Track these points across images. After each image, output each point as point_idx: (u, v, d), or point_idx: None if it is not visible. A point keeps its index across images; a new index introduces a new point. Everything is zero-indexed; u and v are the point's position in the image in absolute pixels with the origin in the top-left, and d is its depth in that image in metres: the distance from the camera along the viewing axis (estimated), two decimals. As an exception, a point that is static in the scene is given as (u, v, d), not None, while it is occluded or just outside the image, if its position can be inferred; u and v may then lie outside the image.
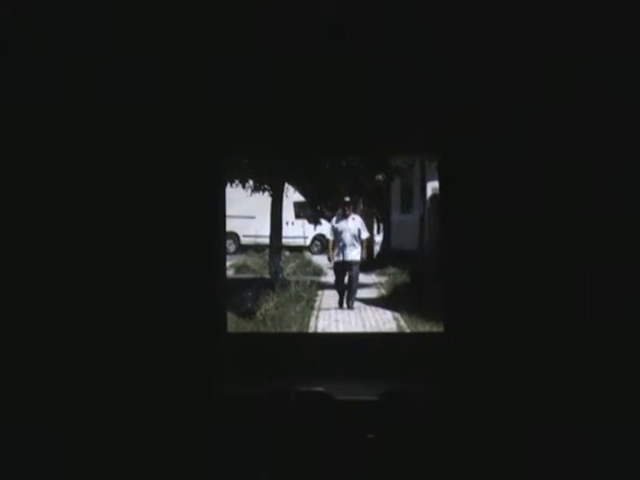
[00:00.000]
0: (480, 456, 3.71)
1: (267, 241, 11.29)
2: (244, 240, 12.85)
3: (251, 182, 10.87)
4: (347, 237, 9.99)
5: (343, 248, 9.97)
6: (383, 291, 11.05)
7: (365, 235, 10.32)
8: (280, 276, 10.69)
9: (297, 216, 13.19)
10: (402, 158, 10.88)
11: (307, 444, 3.64)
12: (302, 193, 12.39)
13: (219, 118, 5.08)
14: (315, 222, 12.44)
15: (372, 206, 12.93)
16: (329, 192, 11.30)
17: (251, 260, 12.01)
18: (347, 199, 10.41)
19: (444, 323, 5.29)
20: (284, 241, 11.43)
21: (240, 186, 10.76)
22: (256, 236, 12.31)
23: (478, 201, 4.83)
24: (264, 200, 11.15)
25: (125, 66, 4.87)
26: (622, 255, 4.49)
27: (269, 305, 9.69)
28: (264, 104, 5.01)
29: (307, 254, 12.76)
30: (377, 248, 13.11)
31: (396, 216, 13.24)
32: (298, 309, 9.75)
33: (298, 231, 13.04)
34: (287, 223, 12.23)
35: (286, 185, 11.23)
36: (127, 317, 4.79)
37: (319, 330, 9.02)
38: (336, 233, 10.11)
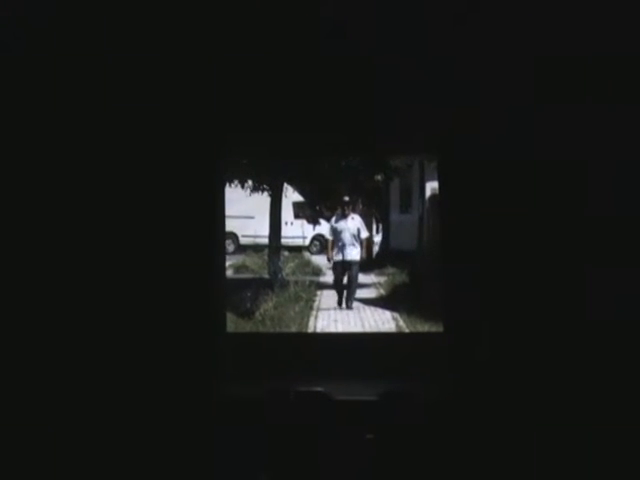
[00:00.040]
0: (480, 456, 3.71)
1: (266, 241, 11.28)
2: (243, 240, 12.84)
3: (250, 182, 10.86)
4: (346, 237, 9.98)
5: (343, 248, 9.96)
6: (382, 291, 11.05)
7: (365, 234, 10.32)
8: (279, 276, 10.69)
9: (296, 216, 13.17)
10: (402, 158, 10.88)
11: (306, 444, 3.64)
12: (301, 193, 12.39)
13: (219, 118, 5.08)
14: (314, 222, 12.43)
15: (371, 206, 12.92)
16: (328, 192, 11.30)
17: (250, 260, 12.00)
18: (346, 198, 10.41)
19: (443, 323, 5.28)
20: (283, 241, 11.42)
21: (239, 186, 10.76)
22: (255, 236, 12.31)
23: (478, 201, 4.83)
24: (263, 200, 11.14)
25: (125, 66, 4.87)
26: (622, 255, 4.49)
27: (268, 305, 9.68)
28: (264, 104, 5.00)
29: (306, 254, 12.75)
30: (376, 248, 13.09)
31: (395, 216, 13.23)
32: (297, 309, 9.75)
33: (297, 231, 13.03)
34: (286, 223, 12.22)
35: (285, 185, 11.23)
36: (127, 317, 4.78)
37: (318, 330, 9.02)
38: (335, 233, 10.10)
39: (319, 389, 3.95)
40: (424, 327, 8.41)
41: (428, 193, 11.31)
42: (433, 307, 7.26)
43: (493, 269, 4.78)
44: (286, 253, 11.74)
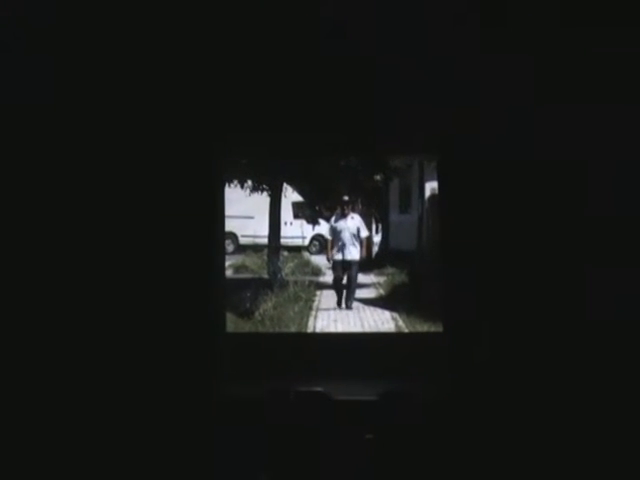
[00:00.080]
0: (479, 456, 3.71)
1: (265, 241, 11.29)
2: (243, 240, 12.84)
3: (250, 182, 10.86)
4: (346, 236, 9.97)
5: (343, 247, 9.96)
6: (381, 291, 11.05)
7: (365, 233, 10.31)
8: (278, 276, 10.68)
9: (295, 216, 13.17)
10: (401, 158, 10.88)
11: (306, 444, 3.63)
12: (300, 193, 12.39)
13: (218, 118, 5.08)
14: (313, 222, 12.43)
15: (370, 206, 12.92)
16: (327, 192, 11.30)
17: (249, 260, 11.99)
18: (346, 198, 10.40)
19: (443, 323, 5.28)
20: (282, 241, 11.42)
21: (239, 186, 10.76)
22: (255, 236, 12.31)
23: (477, 201, 4.83)
24: (262, 200, 11.15)
25: (125, 67, 4.87)
26: (622, 255, 4.49)
27: (267, 305, 9.68)
28: (263, 104, 5.00)
29: (305, 254, 12.75)
30: (375, 248, 13.10)
31: (394, 216, 13.23)
32: (296, 309, 9.74)
33: (296, 231, 13.04)
34: (285, 223, 12.23)
35: (284, 185, 11.23)
36: (127, 317, 4.78)
37: (318, 330, 9.01)
38: (335, 232, 10.09)
39: (319, 389, 3.94)
40: (423, 327, 8.41)
41: (427, 193, 11.32)
42: (432, 307, 7.26)
43: (492, 269, 4.78)
44: (285, 253, 11.74)
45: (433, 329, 7.43)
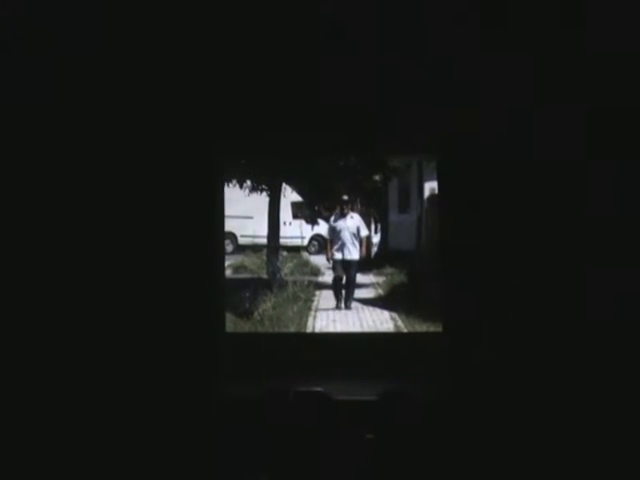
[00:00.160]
0: (479, 456, 3.71)
1: (265, 241, 11.27)
2: (242, 240, 12.81)
3: (249, 182, 10.84)
4: (346, 236, 9.94)
5: (342, 247, 9.93)
6: (381, 291, 11.03)
7: (365, 233, 10.29)
8: (278, 276, 10.66)
9: (295, 216, 13.15)
10: (401, 158, 10.87)
11: (306, 444, 3.63)
12: (300, 193, 12.37)
13: (218, 118, 5.08)
14: (313, 222, 12.41)
15: (370, 206, 12.91)
16: (326, 192, 11.28)
17: (249, 260, 11.96)
18: (345, 197, 10.37)
19: (442, 323, 5.29)
20: (282, 241, 11.40)
21: (238, 186, 10.75)
22: (254, 236, 12.28)
23: (477, 201, 4.83)
24: (262, 200, 11.13)
25: (125, 69, 4.87)
26: (622, 255, 4.50)
27: (267, 305, 9.66)
28: (263, 104, 5.00)
29: (305, 254, 12.72)
30: (375, 248, 13.08)
31: (394, 216, 13.21)
32: (296, 309, 9.72)
33: (296, 231, 13.01)
34: (285, 223, 12.20)
35: (284, 185, 11.21)
36: (126, 317, 4.78)
37: (317, 330, 9.00)
38: (334, 232, 10.07)
39: (318, 389, 3.94)
40: (423, 327, 8.39)
41: (427, 193, 11.29)
42: (432, 307, 7.25)
43: (492, 269, 4.78)
44: (285, 253, 11.72)
45: (432, 329, 7.41)
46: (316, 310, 9.90)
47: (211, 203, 5.21)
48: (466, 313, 4.88)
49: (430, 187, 10.70)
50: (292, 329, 9.06)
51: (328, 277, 10.71)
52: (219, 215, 5.42)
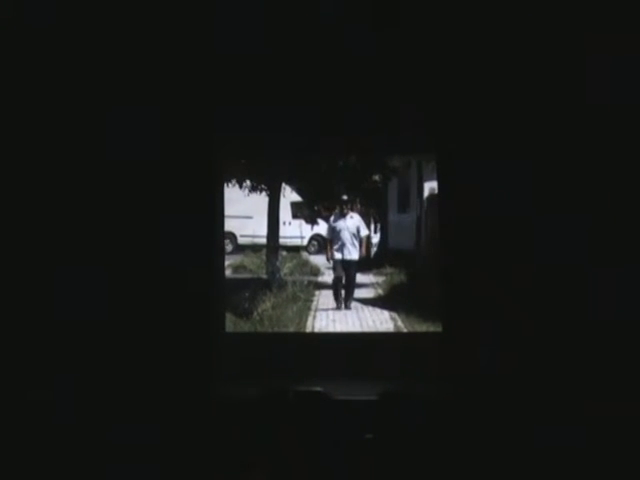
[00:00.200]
0: (479, 456, 3.71)
1: (264, 241, 11.25)
2: (241, 240, 12.79)
3: (248, 182, 10.84)
4: (346, 236, 9.94)
5: (342, 247, 9.92)
6: (380, 291, 11.02)
7: (365, 232, 10.28)
8: (277, 276, 10.65)
9: (294, 216, 13.13)
10: (401, 158, 10.87)
11: (305, 444, 3.62)
12: (299, 193, 12.36)
13: (218, 118, 5.08)
14: (312, 222, 12.40)
15: (369, 206, 12.90)
16: (326, 192, 11.27)
17: (248, 260, 11.95)
18: (345, 197, 10.37)
19: (442, 323, 5.29)
20: (281, 241, 11.39)
21: (237, 186, 10.74)
22: (253, 236, 12.26)
23: (477, 201, 4.84)
24: (261, 200, 11.12)
25: (124, 68, 4.86)
26: (622, 255, 4.50)
27: (266, 305, 9.65)
28: (263, 104, 5.00)
29: (304, 254, 12.71)
30: (374, 248, 13.07)
31: (393, 216, 13.19)
32: (295, 309, 9.72)
33: (295, 231, 13.00)
34: (284, 223, 12.19)
35: (283, 185, 11.20)
36: (126, 317, 4.78)
37: (316, 330, 9.00)
38: (334, 232, 10.06)
39: (318, 389, 3.94)
40: (422, 327, 8.39)
41: (426, 193, 11.28)
42: (431, 307, 7.25)
43: (492, 269, 4.78)
44: (284, 253, 11.71)
45: (432, 329, 7.41)
46: (316, 310, 9.89)
47: (211, 203, 5.21)
48: (466, 313, 4.88)
49: (430, 187, 10.69)
50: (292, 329, 9.06)
51: (328, 277, 10.70)
52: (219, 215, 5.42)
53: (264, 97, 5.00)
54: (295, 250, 12.51)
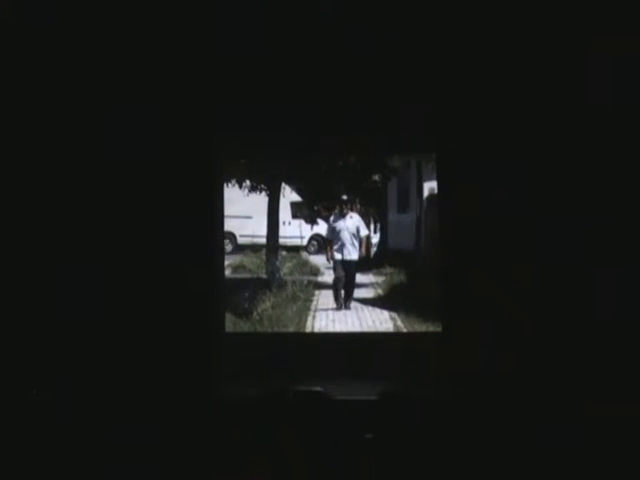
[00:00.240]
0: (479, 456, 3.71)
1: (264, 241, 11.24)
2: (241, 240, 12.78)
3: (248, 182, 10.83)
4: (345, 236, 9.93)
5: (342, 247, 9.92)
6: (380, 291, 11.01)
7: (364, 232, 10.28)
8: (277, 276, 10.65)
9: (294, 216, 13.13)
10: (401, 158, 10.88)
11: (305, 444, 3.62)
12: (299, 193, 12.36)
13: (218, 118, 5.08)
14: (312, 222, 12.39)
15: (369, 206, 12.90)
16: (326, 192, 11.27)
17: (248, 260, 11.94)
18: (344, 197, 10.36)
19: (442, 323, 5.29)
20: (281, 241, 11.38)
21: (237, 186, 10.73)
22: (253, 236, 12.26)
23: (477, 201, 4.84)
24: (261, 200, 11.12)
25: (125, 67, 4.86)
26: (622, 255, 4.50)
27: (266, 305, 9.65)
28: (263, 104, 5.00)
29: (304, 254, 12.70)
30: (374, 249, 13.07)
31: (393, 216, 13.19)
32: (295, 309, 9.71)
33: (295, 231, 12.99)
34: (284, 223, 12.19)
35: (283, 185, 11.20)
36: (126, 316, 4.78)
37: (316, 330, 8.99)
38: (334, 232, 10.05)
39: (318, 389, 3.94)
40: (422, 327, 8.38)
41: (426, 193, 11.27)
42: (431, 307, 7.25)
43: (492, 269, 4.78)
44: (284, 253, 11.70)
45: (432, 329, 7.41)
46: (315, 310, 9.89)
47: (211, 203, 5.21)
48: (465, 313, 4.88)
49: (429, 187, 10.68)
50: (291, 329, 9.06)
51: (327, 277, 10.70)
52: (218, 215, 5.42)
53: (264, 97, 5.00)
54: (295, 250, 12.50)
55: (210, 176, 5.22)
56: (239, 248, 12.66)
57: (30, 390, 4.39)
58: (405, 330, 8.77)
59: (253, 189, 10.96)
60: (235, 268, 11.66)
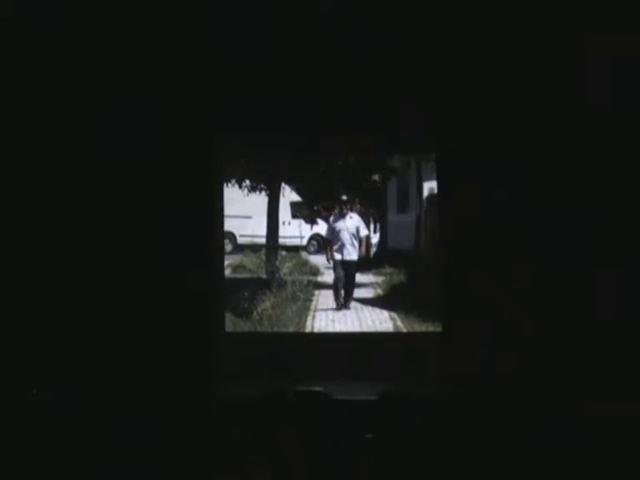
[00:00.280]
0: (479, 456, 3.71)
1: (264, 241, 11.24)
2: (241, 240, 12.78)
3: (248, 182, 10.83)
4: (345, 236, 9.93)
5: (342, 247, 9.92)
6: (380, 291, 11.00)
7: (364, 232, 10.28)
8: (277, 276, 10.64)
9: (294, 216, 13.12)
10: (401, 158, 10.88)
11: (305, 444, 3.62)
12: (299, 193, 12.36)
13: (217, 118, 5.08)
14: (312, 222, 12.39)
15: (369, 206, 12.89)
16: (325, 192, 11.27)
17: (248, 260, 11.93)
18: (344, 197, 10.36)
19: (442, 323, 5.29)
20: (281, 241, 11.38)
21: (237, 186, 10.73)
22: (253, 236, 12.25)
23: (477, 201, 4.84)
24: (261, 200, 11.12)
25: (125, 67, 4.86)
26: (622, 255, 4.50)
27: (266, 305, 9.64)
28: (263, 104, 5.00)
29: (304, 254, 12.70)
30: (374, 248, 13.06)
31: (393, 216, 13.18)
32: (295, 309, 9.71)
33: (295, 231, 12.99)
34: (284, 223, 12.18)
35: (283, 185, 11.20)
36: (126, 316, 4.78)
37: (316, 330, 8.99)
38: (333, 232, 10.05)
39: (318, 389, 3.94)
40: (422, 327, 8.37)
41: (426, 193, 11.27)
42: (431, 307, 7.24)
43: (492, 269, 4.78)
44: (284, 253, 11.70)
45: (432, 329, 7.40)
46: (315, 310, 9.88)
47: (210, 203, 5.21)
48: (465, 313, 4.87)
49: (429, 187, 10.67)
50: (291, 329, 9.06)
51: (327, 277, 10.69)
52: (218, 215, 5.42)
53: (264, 97, 5.00)
54: (294, 250, 12.50)
55: (210, 176, 5.22)
56: (239, 248, 12.65)
57: (30, 390, 4.39)
58: (405, 330, 8.76)
59: (253, 189, 10.95)
60: (235, 268, 11.65)
